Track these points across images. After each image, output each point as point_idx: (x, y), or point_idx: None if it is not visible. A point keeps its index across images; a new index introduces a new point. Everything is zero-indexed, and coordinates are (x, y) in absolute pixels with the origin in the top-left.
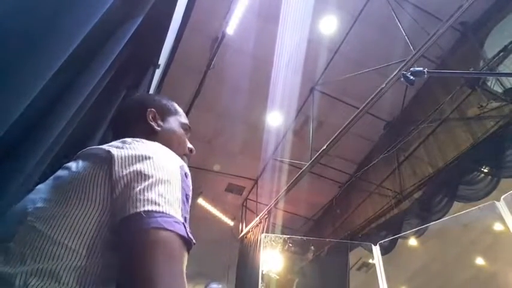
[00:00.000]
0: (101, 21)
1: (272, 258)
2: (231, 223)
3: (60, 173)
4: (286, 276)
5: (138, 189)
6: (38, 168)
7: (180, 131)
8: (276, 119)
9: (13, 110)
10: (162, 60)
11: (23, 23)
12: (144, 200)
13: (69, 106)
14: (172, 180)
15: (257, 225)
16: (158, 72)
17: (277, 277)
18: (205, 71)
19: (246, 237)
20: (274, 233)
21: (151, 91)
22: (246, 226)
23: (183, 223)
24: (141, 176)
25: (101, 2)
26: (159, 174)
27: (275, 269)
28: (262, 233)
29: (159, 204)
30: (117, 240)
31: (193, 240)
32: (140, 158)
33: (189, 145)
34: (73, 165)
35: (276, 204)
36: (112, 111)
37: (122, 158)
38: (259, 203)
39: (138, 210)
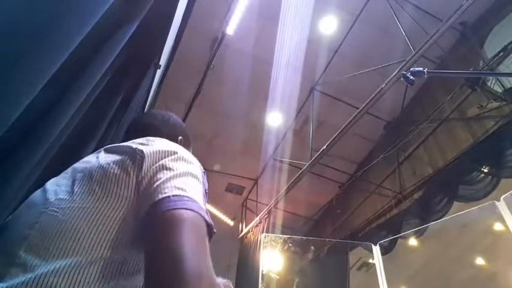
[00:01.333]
0: (101, 22)
1: (272, 258)
2: (231, 223)
3: (82, 165)
4: (286, 276)
5: (165, 178)
6: (38, 168)
7: None
8: (276, 119)
9: (13, 110)
10: (163, 60)
11: (23, 24)
12: (171, 186)
13: (69, 106)
14: (195, 174)
15: (257, 225)
16: (159, 72)
17: (277, 277)
18: (205, 71)
19: (246, 237)
20: (274, 233)
21: (152, 91)
22: (246, 226)
23: (206, 211)
24: (166, 167)
25: (101, 2)
26: (184, 168)
27: (275, 269)
28: (262, 233)
29: (186, 191)
30: (141, 232)
31: (215, 229)
32: (166, 153)
33: None
34: (98, 159)
35: (276, 204)
36: (111, 112)
37: (151, 153)
38: (259, 203)
39: (167, 194)
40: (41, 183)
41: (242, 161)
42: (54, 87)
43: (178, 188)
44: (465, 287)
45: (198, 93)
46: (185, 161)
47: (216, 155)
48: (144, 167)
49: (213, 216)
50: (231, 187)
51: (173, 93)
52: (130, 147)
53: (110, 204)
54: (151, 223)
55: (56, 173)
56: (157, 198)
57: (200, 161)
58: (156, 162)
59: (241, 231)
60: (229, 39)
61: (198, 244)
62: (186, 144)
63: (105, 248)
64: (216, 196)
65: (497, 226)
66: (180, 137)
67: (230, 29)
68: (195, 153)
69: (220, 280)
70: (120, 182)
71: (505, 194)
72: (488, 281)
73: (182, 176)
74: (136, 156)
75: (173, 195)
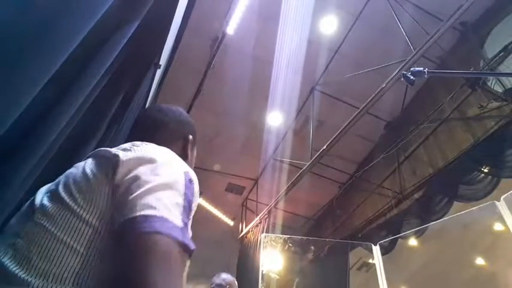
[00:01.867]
0: (102, 22)
1: (272, 258)
2: (231, 223)
3: (72, 171)
4: (286, 276)
5: (137, 193)
6: (38, 169)
7: (193, 162)
8: (276, 119)
9: (13, 111)
10: (163, 60)
11: (23, 24)
12: (142, 204)
13: (69, 106)
14: (174, 185)
15: (257, 225)
16: (159, 72)
17: (277, 277)
18: (205, 71)
19: (246, 237)
20: (274, 233)
21: (152, 91)
22: (246, 226)
23: (182, 228)
24: (141, 180)
25: (101, 3)
26: (160, 179)
27: (275, 269)
28: (262, 233)
29: (157, 209)
30: (115, 243)
31: (192, 246)
32: (144, 161)
33: None
34: (83, 165)
35: (276, 204)
36: (111, 112)
37: (126, 161)
38: (259, 202)
39: (135, 214)
40: (40, 183)
41: (242, 161)
42: (54, 87)
43: (150, 207)
44: (465, 287)
45: (198, 93)
46: (164, 169)
47: (216, 155)
48: (118, 175)
49: (213, 216)
50: (231, 187)
51: (173, 93)
52: (110, 153)
53: (88, 212)
54: (120, 245)
55: (56, 174)
56: (126, 217)
57: (200, 161)
58: (130, 171)
59: (241, 231)
60: (230, 39)
61: (166, 274)
62: (193, 144)
63: (85, 258)
64: (216, 196)
65: (497, 226)
66: (191, 136)
67: (230, 29)
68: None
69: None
70: (98, 189)
71: (505, 194)
72: (488, 281)
73: (156, 190)
74: (113, 163)
75: (142, 216)
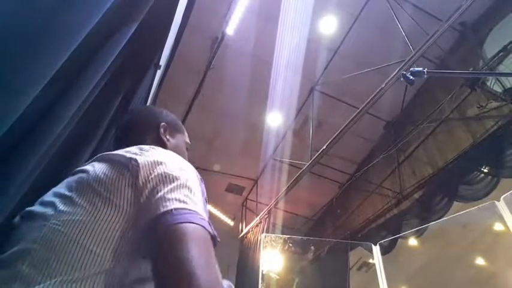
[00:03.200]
0: (101, 22)
1: (272, 258)
2: (231, 223)
3: (80, 175)
4: (286, 276)
5: (165, 190)
6: (36, 170)
7: (184, 148)
8: (276, 119)
9: (12, 111)
10: (163, 60)
11: (22, 24)
12: (172, 199)
13: (69, 106)
14: (191, 184)
15: (257, 225)
16: (159, 73)
17: (277, 277)
18: (205, 71)
19: (246, 237)
20: (274, 233)
21: (152, 91)
22: (246, 226)
23: (208, 221)
24: (166, 179)
25: (101, 2)
26: (182, 178)
27: (275, 269)
28: (262, 233)
29: (186, 203)
30: (145, 242)
31: (218, 238)
32: (162, 164)
33: None
34: (94, 169)
35: (276, 204)
36: (111, 112)
37: (146, 164)
38: (259, 203)
39: (168, 208)
40: (38, 185)
41: (242, 161)
42: (54, 88)
43: (179, 201)
44: (465, 287)
45: (198, 93)
46: (181, 170)
47: (216, 155)
48: (140, 178)
49: (213, 216)
50: (231, 187)
51: (173, 93)
52: (125, 157)
53: (110, 215)
54: (156, 238)
55: (55, 175)
56: (159, 212)
57: (200, 161)
58: (152, 173)
59: (241, 231)
60: (229, 39)
61: (206, 256)
62: (172, 130)
63: (106, 261)
64: (216, 196)
65: (497, 226)
66: (162, 123)
67: (230, 29)
68: (195, 154)
69: (224, 282)
70: (119, 192)
71: (505, 194)
72: (488, 281)
73: (181, 187)
74: (132, 167)
75: (175, 209)
